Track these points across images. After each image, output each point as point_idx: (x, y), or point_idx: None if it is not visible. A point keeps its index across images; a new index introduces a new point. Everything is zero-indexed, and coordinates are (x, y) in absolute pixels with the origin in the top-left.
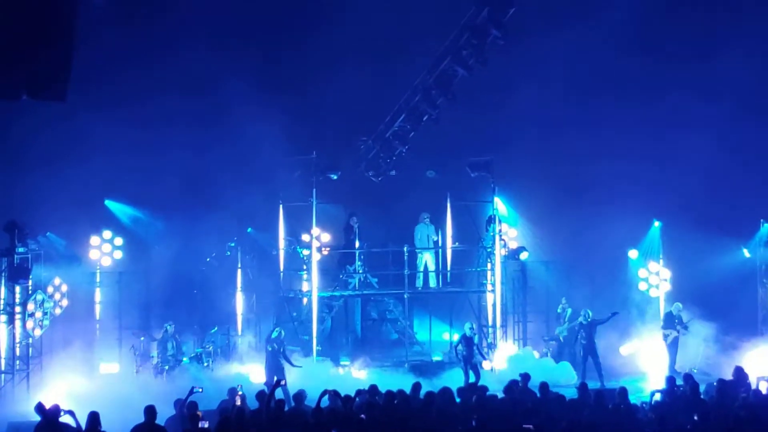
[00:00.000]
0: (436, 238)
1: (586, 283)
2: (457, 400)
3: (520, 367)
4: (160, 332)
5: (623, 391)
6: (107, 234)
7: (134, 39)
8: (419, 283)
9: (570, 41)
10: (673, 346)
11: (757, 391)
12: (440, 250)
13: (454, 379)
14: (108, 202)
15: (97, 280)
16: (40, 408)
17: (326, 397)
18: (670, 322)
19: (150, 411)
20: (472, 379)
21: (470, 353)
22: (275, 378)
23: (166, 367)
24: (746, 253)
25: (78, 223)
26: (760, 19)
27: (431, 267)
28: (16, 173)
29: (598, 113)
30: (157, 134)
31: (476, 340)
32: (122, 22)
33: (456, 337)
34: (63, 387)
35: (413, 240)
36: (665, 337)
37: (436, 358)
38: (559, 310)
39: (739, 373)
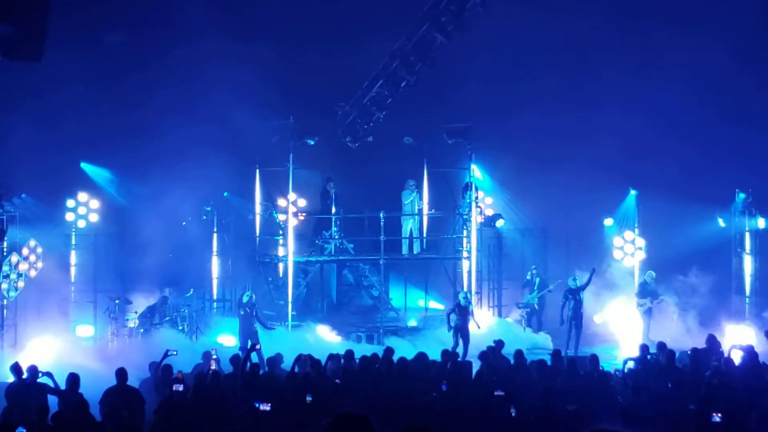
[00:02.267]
0: (420, 207)
1: (561, 251)
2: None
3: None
4: (138, 296)
5: (594, 358)
6: (83, 196)
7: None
8: (405, 250)
9: (548, 11)
10: (647, 315)
11: (729, 360)
12: (417, 217)
13: (429, 345)
14: (84, 165)
15: (73, 242)
16: (15, 368)
17: (301, 362)
18: (645, 291)
19: (121, 373)
20: (459, 349)
21: (464, 323)
22: (249, 342)
23: (141, 330)
24: (721, 222)
25: (54, 185)
26: None
27: (416, 234)
28: None
29: (575, 81)
30: (134, 97)
31: (470, 308)
32: None
33: (437, 305)
34: (38, 349)
35: (400, 206)
36: (640, 305)
37: (412, 323)
38: (528, 277)
39: (712, 341)
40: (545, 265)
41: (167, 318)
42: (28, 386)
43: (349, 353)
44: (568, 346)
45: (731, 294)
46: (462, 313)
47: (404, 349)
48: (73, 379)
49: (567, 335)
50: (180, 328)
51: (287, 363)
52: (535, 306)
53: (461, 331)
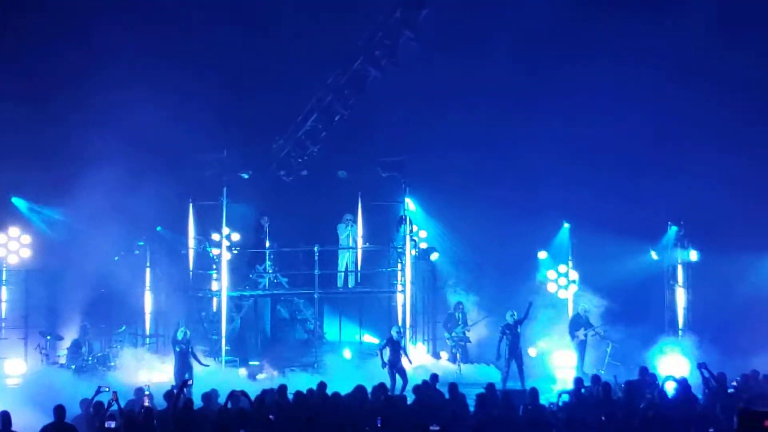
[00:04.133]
0: (356, 240)
1: (495, 283)
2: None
3: None
4: (71, 332)
5: (534, 392)
6: (14, 231)
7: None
8: (340, 283)
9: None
10: (581, 347)
11: (663, 391)
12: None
13: (364, 379)
14: (15, 199)
15: (3, 278)
16: None
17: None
18: (578, 323)
19: (59, 410)
20: (399, 384)
21: (397, 357)
22: (183, 378)
23: (73, 367)
24: (654, 255)
25: None
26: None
27: (351, 267)
28: None
29: (508, 116)
30: (64, 129)
31: (403, 343)
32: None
33: (371, 339)
34: None
35: (334, 239)
36: (573, 338)
37: (346, 354)
38: (451, 311)
39: (644, 373)
40: (480, 298)
41: (96, 354)
42: None
43: (282, 388)
44: (505, 381)
45: (664, 326)
46: (394, 348)
47: (338, 384)
48: (4, 417)
49: (505, 369)
50: (111, 364)
51: (222, 399)
52: (467, 338)
53: (395, 367)
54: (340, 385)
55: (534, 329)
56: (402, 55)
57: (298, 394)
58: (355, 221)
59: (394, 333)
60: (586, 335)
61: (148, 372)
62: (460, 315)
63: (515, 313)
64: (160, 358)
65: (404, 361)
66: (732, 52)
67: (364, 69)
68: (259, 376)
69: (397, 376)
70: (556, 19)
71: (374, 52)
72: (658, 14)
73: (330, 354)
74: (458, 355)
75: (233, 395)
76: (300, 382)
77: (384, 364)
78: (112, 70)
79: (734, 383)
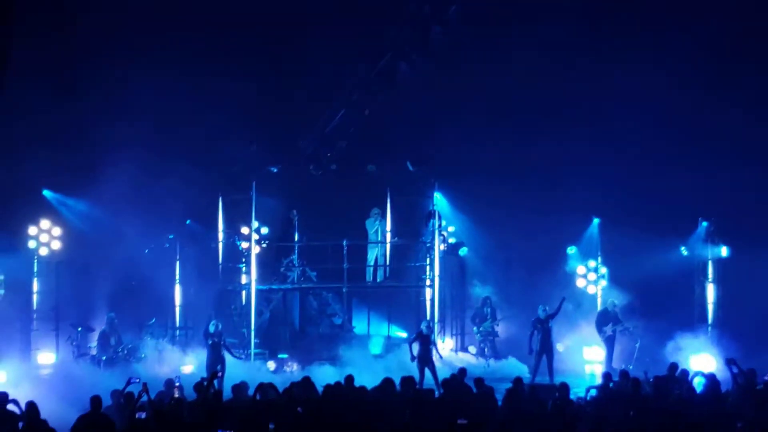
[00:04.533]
0: (384, 234)
1: (523, 279)
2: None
3: None
4: (101, 323)
5: (564, 386)
6: (45, 224)
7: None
8: (369, 277)
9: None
10: (610, 343)
11: (692, 387)
12: (381, 245)
13: (392, 373)
14: (46, 192)
15: (35, 270)
16: None
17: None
18: (606, 318)
19: (95, 401)
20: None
21: (426, 352)
22: (213, 371)
23: (104, 358)
24: (684, 251)
25: (16, 212)
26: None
27: (380, 261)
28: None
29: (536, 110)
30: (96, 125)
31: (432, 337)
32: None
33: (400, 333)
34: (1, 376)
35: (362, 233)
36: (601, 333)
37: (375, 352)
38: (478, 306)
39: (674, 369)
40: (508, 293)
41: (126, 346)
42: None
43: (306, 380)
44: (534, 375)
45: (694, 322)
46: (424, 342)
47: (366, 377)
48: (32, 406)
49: (535, 364)
50: (142, 355)
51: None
52: (496, 333)
53: (425, 361)
54: (367, 379)
55: (563, 325)
56: (431, 50)
57: (327, 387)
58: (382, 216)
59: (423, 327)
60: (614, 331)
61: (177, 364)
62: (489, 310)
63: (547, 308)
64: (189, 351)
65: (434, 355)
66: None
67: (393, 64)
68: (286, 368)
69: (426, 370)
70: (583, 12)
71: (403, 47)
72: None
73: (358, 348)
74: (486, 349)
75: (261, 387)
76: (327, 375)
77: (413, 358)
78: (141, 64)
79: (765, 379)
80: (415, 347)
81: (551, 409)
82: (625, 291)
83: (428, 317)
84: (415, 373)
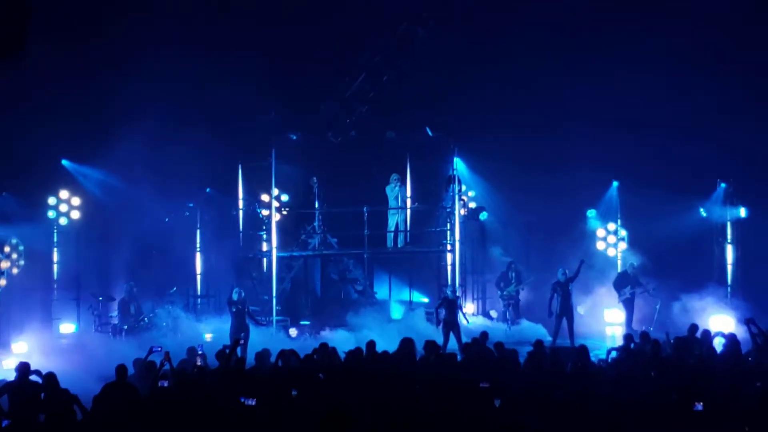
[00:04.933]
0: (405, 200)
1: (544, 242)
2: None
3: None
4: (122, 293)
5: (583, 349)
6: (64, 194)
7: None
8: (389, 243)
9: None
10: (629, 305)
11: (712, 348)
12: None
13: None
14: (65, 162)
15: (55, 240)
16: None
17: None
18: (625, 281)
19: (120, 370)
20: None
21: (453, 316)
22: (236, 337)
23: (125, 327)
24: (703, 212)
25: (35, 182)
26: None
27: (401, 227)
28: None
29: (557, 74)
30: (114, 94)
31: (459, 302)
32: None
33: (422, 298)
34: (22, 346)
35: (383, 200)
36: (620, 296)
37: (396, 316)
38: (505, 270)
39: (694, 330)
40: (528, 257)
41: (147, 315)
42: (20, 385)
43: (323, 346)
44: (555, 338)
45: (713, 283)
46: (450, 307)
47: (388, 342)
48: (50, 377)
49: (555, 327)
50: (164, 324)
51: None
52: (518, 297)
53: (450, 325)
54: (389, 344)
55: (584, 287)
56: (449, 16)
57: (348, 353)
58: (402, 181)
59: (449, 292)
60: (633, 293)
61: (199, 332)
62: (513, 274)
63: (567, 271)
64: (210, 319)
65: (461, 319)
66: None
67: (411, 29)
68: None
69: (451, 335)
70: None
71: (422, 12)
72: None
73: (379, 313)
74: (508, 314)
75: (282, 354)
76: (349, 341)
77: (439, 323)
78: (159, 31)
79: None
80: (441, 312)
81: (572, 371)
82: (644, 253)
83: (449, 282)
84: (436, 337)
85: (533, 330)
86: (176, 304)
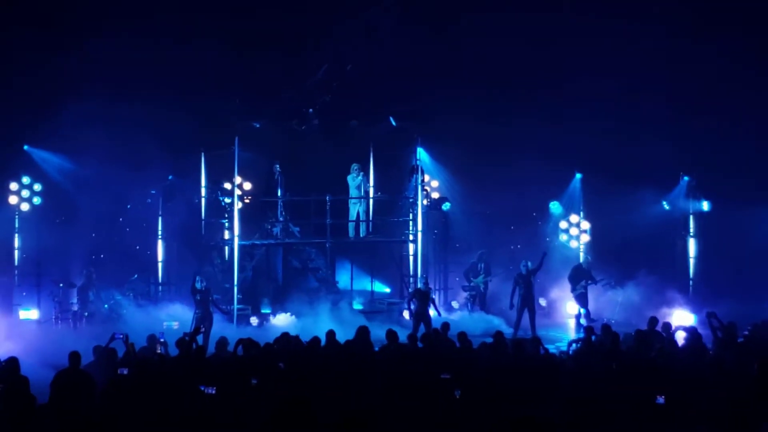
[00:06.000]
0: (367, 190)
1: (507, 234)
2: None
3: None
4: (80, 279)
5: (535, 340)
6: (26, 179)
7: None
8: (351, 232)
9: None
10: (583, 299)
11: (674, 341)
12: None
13: (374, 329)
14: (27, 147)
15: (16, 225)
16: None
17: (243, 345)
18: (580, 275)
19: (74, 356)
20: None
21: (424, 308)
22: (197, 326)
23: (86, 314)
24: (666, 205)
25: None
26: None
27: (362, 217)
28: None
29: (517, 63)
30: (77, 78)
31: (431, 295)
32: None
33: (383, 289)
34: None
35: (346, 189)
36: (575, 290)
37: (357, 307)
38: (474, 261)
39: (654, 323)
40: (491, 248)
41: (108, 302)
42: None
43: (285, 336)
44: (516, 330)
45: (675, 276)
46: (422, 298)
47: (349, 332)
48: (12, 361)
49: (517, 319)
50: (124, 311)
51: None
52: (481, 289)
53: (422, 317)
54: (350, 334)
55: (545, 280)
56: (414, 3)
57: (308, 342)
58: (364, 171)
59: (421, 285)
60: (585, 287)
61: (161, 320)
62: (482, 265)
63: (529, 263)
64: (172, 306)
65: (432, 311)
66: None
67: (375, 17)
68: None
69: (421, 326)
70: None
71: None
72: None
73: (340, 303)
74: (470, 305)
75: (241, 342)
76: (309, 330)
77: (411, 315)
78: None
79: (745, 333)
80: (413, 304)
81: (531, 362)
82: (607, 246)
83: (413, 273)
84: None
85: (495, 323)
86: (138, 292)
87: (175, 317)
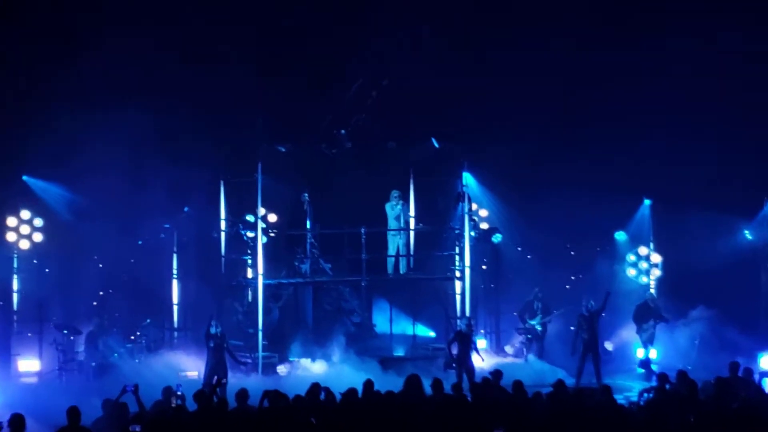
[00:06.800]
0: (407, 220)
1: (566, 269)
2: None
3: None
4: (88, 326)
5: (606, 389)
6: (25, 214)
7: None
8: (390, 269)
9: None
10: (650, 341)
11: (760, 389)
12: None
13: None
14: (27, 178)
15: (15, 265)
16: None
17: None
18: (646, 314)
19: (72, 412)
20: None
21: (466, 353)
22: (216, 377)
23: (93, 364)
24: (748, 235)
25: None
26: None
27: (402, 251)
28: None
29: (579, 81)
30: (80, 105)
31: (474, 338)
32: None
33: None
34: None
35: (383, 220)
36: (641, 330)
37: (398, 353)
38: (530, 299)
39: (736, 368)
40: (548, 285)
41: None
42: None
43: (315, 387)
44: (579, 379)
45: (760, 315)
46: (464, 341)
47: (389, 382)
48: (16, 419)
49: (580, 365)
50: (136, 360)
51: (254, 399)
52: (538, 332)
53: (463, 363)
54: (391, 383)
55: (612, 320)
56: (457, 15)
57: (343, 394)
58: (405, 199)
59: (463, 325)
60: (654, 326)
61: (177, 370)
62: (539, 305)
63: (592, 303)
64: (189, 354)
65: (474, 357)
66: None
67: (415, 30)
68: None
69: (464, 375)
70: None
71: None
72: None
73: (379, 349)
74: (525, 350)
75: (267, 395)
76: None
77: (453, 360)
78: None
79: None
80: (454, 347)
81: (596, 413)
82: (680, 281)
83: (459, 314)
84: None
85: (554, 372)
86: (151, 338)
87: (192, 367)
